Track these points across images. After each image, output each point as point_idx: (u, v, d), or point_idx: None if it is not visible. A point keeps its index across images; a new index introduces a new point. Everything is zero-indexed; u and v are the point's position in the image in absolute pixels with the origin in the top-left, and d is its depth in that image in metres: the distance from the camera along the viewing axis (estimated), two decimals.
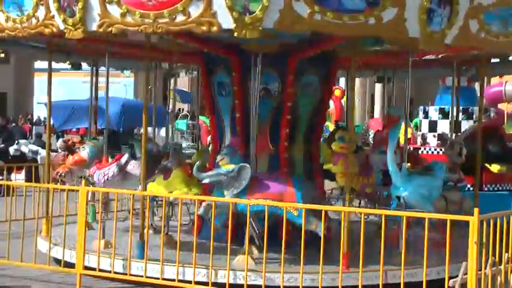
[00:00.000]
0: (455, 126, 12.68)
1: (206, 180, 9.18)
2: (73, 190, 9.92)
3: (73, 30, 8.28)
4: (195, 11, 7.72)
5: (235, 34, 7.71)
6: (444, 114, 14.88)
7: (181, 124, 25.54)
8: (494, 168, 13.53)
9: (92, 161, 10.62)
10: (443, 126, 14.59)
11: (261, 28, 7.66)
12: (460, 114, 14.54)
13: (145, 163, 9.01)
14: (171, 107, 13.43)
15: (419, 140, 16.42)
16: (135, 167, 9.99)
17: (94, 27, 8.17)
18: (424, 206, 9.00)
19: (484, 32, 8.69)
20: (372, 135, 18.01)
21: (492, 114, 16.93)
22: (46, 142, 10.68)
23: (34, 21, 8.64)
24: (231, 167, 9.04)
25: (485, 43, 8.93)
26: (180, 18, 7.79)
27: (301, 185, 9.15)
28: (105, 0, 7.97)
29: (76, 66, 11.93)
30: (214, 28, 7.75)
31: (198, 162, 9.39)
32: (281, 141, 10.17)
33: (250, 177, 8.87)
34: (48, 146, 10.80)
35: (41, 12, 8.52)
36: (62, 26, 8.40)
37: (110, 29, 8.09)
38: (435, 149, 14.15)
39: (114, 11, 7.99)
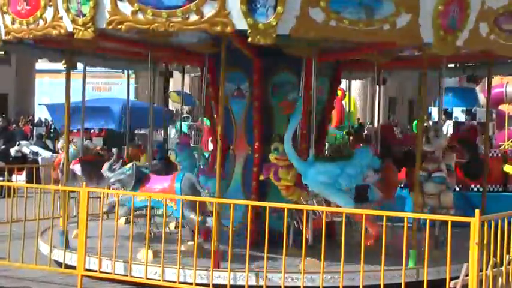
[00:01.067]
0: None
1: (112, 180, 9.73)
2: (73, 191, 9.94)
3: (83, 30, 8.24)
4: (209, 10, 7.71)
5: (249, 40, 7.74)
6: (447, 115, 14.84)
7: (184, 127, 25.54)
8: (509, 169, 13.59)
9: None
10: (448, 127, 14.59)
11: (274, 35, 7.70)
12: (464, 114, 14.58)
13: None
14: (172, 108, 13.46)
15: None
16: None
17: (103, 25, 8.13)
18: (329, 195, 8.79)
19: (494, 34, 8.74)
20: None
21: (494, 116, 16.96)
22: (65, 144, 10.61)
23: (41, 22, 8.61)
24: (129, 166, 9.59)
25: (496, 46, 8.97)
26: (193, 17, 7.78)
27: (184, 179, 9.26)
28: None
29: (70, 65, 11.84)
30: (228, 29, 7.76)
31: (109, 162, 9.96)
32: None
33: (144, 175, 9.57)
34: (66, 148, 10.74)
35: (49, 14, 8.47)
36: (70, 28, 8.34)
37: (119, 26, 8.05)
38: None
39: (125, 8, 7.97)
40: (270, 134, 9.90)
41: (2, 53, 10.89)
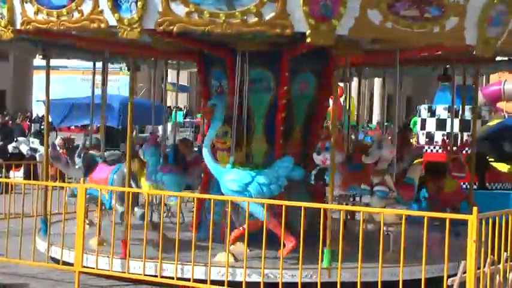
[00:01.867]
0: (462, 124, 12.69)
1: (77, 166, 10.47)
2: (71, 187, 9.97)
3: (128, 29, 7.92)
4: (268, 13, 7.63)
5: (308, 40, 7.71)
6: (431, 112, 14.81)
7: (179, 116, 25.56)
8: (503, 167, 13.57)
9: None
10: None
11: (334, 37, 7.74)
12: (446, 112, 14.52)
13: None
14: (168, 103, 13.45)
15: (423, 139, 16.34)
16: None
17: (152, 25, 7.86)
18: (242, 203, 8.59)
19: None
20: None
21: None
22: (45, 140, 10.68)
23: (76, 15, 8.18)
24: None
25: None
26: (252, 19, 7.68)
27: (118, 172, 9.77)
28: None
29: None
30: (288, 31, 7.70)
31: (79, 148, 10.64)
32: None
33: (95, 163, 10.26)
34: (47, 143, 10.82)
35: (87, 6, 8.10)
36: (112, 22, 7.97)
37: (171, 27, 7.81)
38: (440, 148, 14.11)
39: (179, 9, 7.74)
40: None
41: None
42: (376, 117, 48.08)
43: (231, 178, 8.81)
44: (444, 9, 8.00)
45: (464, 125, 13.50)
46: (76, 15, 8.14)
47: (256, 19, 7.63)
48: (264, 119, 10.11)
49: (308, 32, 7.66)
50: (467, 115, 14.28)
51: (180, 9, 7.71)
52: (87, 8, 8.04)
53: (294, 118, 10.40)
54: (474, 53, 8.53)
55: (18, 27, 8.75)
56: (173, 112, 12.54)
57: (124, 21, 7.86)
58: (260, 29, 7.74)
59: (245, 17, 7.64)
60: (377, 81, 45.60)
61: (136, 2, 7.72)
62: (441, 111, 15.62)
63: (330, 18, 7.65)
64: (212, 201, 8.36)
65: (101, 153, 10.92)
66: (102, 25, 8.03)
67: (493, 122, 17.31)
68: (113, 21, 7.95)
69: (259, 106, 10.05)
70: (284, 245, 8.45)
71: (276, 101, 10.04)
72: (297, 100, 10.39)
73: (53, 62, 10.92)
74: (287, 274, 8.13)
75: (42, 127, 28.49)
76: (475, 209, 6.97)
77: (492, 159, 14.17)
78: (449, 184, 11.35)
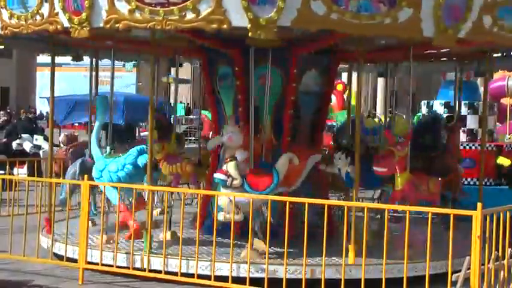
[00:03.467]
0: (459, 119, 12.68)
1: None
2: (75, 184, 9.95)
3: (79, 29, 8.26)
4: (204, 9, 7.72)
5: (250, 34, 7.75)
6: (449, 108, 14.81)
7: (179, 108, 25.47)
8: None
9: None
10: (472, 122, 14.65)
11: (275, 30, 7.74)
12: (466, 108, 14.56)
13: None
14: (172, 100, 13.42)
15: None
16: None
17: (100, 23, 8.15)
18: (107, 190, 9.19)
19: (497, 27, 8.69)
20: None
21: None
22: (49, 137, 10.68)
23: (38, 18, 8.63)
24: None
25: (498, 38, 8.93)
26: (190, 15, 7.79)
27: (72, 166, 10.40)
28: None
29: (77, 59, 11.87)
30: (225, 26, 7.77)
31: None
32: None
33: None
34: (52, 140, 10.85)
35: (45, 9, 8.51)
36: (66, 24, 8.37)
37: (117, 25, 8.06)
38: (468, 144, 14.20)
39: (122, 7, 7.98)
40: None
41: (2, 47, 10.86)
42: (379, 110, 48.14)
43: (95, 166, 9.54)
44: (396, 1, 8.00)
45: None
46: (38, 18, 8.63)
47: (193, 15, 7.76)
48: (272, 116, 10.11)
49: (248, 26, 7.71)
50: (464, 111, 14.38)
51: (123, 7, 7.96)
52: (45, 11, 8.51)
53: (301, 114, 10.52)
54: (433, 44, 8.62)
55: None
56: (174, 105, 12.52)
57: (74, 20, 8.21)
58: (197, 25, 7.86)
59: (183, 13, 7.78)
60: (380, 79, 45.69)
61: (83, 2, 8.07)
62: (437, 107, 15.63)
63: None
64: (217, 197, 8.41)
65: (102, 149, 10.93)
66: (59, 27, 8.45)
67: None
68: (66, 22, 8.33)
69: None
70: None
71: (284, 98, 10.14)
72: (304, 96, 10.47)
73: (58, 59, 10.88)
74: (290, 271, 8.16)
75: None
76: (479, 204, 6.98)
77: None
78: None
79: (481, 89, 16.10)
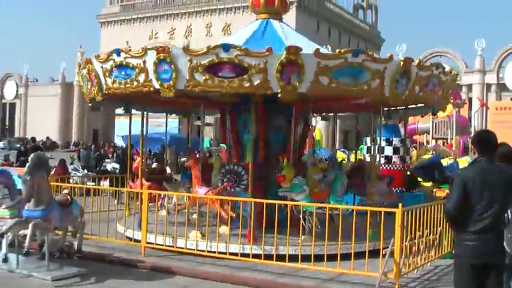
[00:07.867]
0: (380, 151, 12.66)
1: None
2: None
3: (167, 91, 7.96)
4: (256, 80, 7.70)
5: (280, 96, 7.74)
6: (388, 142, 14.70)
7: (206, 142, 25.71)
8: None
9: None
10: (388, 151, 14.48)
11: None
12: (384, 143, 14.44)
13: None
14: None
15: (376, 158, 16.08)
16: None
17: (182, 87, 7.91)
18: None
19: (334, 83, 7.90)
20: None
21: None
22: (128, 161, 10.57)
23: (135, 83, 8.32)
24: None
25: (337, 92, 8.14)
26: (246, 84, 7.72)
27: None
28: (193, 70, 7.76)
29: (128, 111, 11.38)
30: (269, 92, 7.75)
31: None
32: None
33: None
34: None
35: (142, 78, 8.18)
36: (157, 87, 8.06)
37: (194, 89, 7.85)
38: (385, 165, 14.00)
39: (199, 77, 7.81)
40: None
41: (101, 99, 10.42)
42: (337, 145, 47.81)
43: None
44: (371, 75, 8.02)
45: (395, 150, 13.62)
46: (135, 84, 8.30)
47: (248, 84, 7.70)
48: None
49: (279, 90, 7.73)
50: (396, 143, 14.34)
51: (199, 77, 7.81)
52: (141, 78, 8.18)
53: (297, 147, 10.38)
54: (388, 102, 8.55)
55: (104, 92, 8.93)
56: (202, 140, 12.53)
57: (164, 85, 7.98)
58: (250, 90, 7.78)
59: (242, 83, 7.69)
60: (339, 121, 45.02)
61: (172, 72, 7.82)
62: (382, 141, 15.47)
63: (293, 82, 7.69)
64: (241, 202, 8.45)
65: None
66: (151, 89, 8.14)
67: (426, 157, 17.26)
68: (157, 85, 8.04)
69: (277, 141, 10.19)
70: None
71: (287, 138, 10.02)
72: (298, 136, 10.43)
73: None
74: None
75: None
76: (400, 204, 7.01)
77: (421, 181, 14.14)
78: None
79: (402, 130, 16.10)
